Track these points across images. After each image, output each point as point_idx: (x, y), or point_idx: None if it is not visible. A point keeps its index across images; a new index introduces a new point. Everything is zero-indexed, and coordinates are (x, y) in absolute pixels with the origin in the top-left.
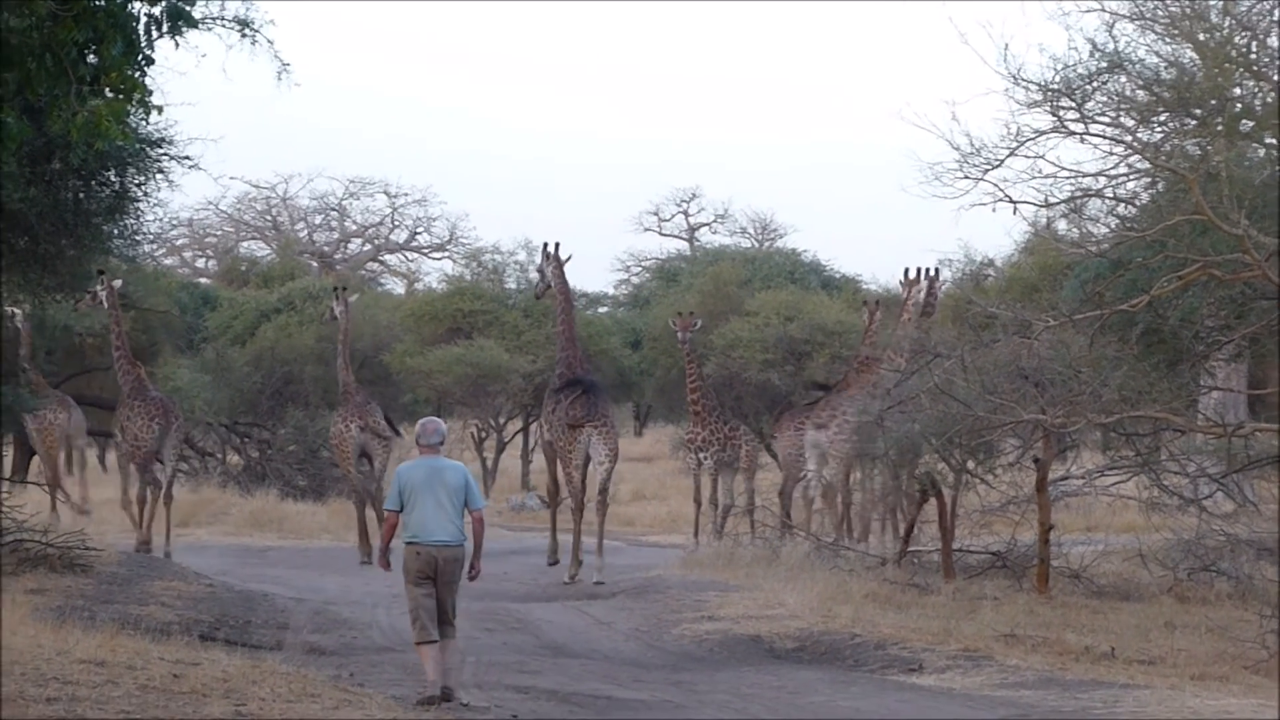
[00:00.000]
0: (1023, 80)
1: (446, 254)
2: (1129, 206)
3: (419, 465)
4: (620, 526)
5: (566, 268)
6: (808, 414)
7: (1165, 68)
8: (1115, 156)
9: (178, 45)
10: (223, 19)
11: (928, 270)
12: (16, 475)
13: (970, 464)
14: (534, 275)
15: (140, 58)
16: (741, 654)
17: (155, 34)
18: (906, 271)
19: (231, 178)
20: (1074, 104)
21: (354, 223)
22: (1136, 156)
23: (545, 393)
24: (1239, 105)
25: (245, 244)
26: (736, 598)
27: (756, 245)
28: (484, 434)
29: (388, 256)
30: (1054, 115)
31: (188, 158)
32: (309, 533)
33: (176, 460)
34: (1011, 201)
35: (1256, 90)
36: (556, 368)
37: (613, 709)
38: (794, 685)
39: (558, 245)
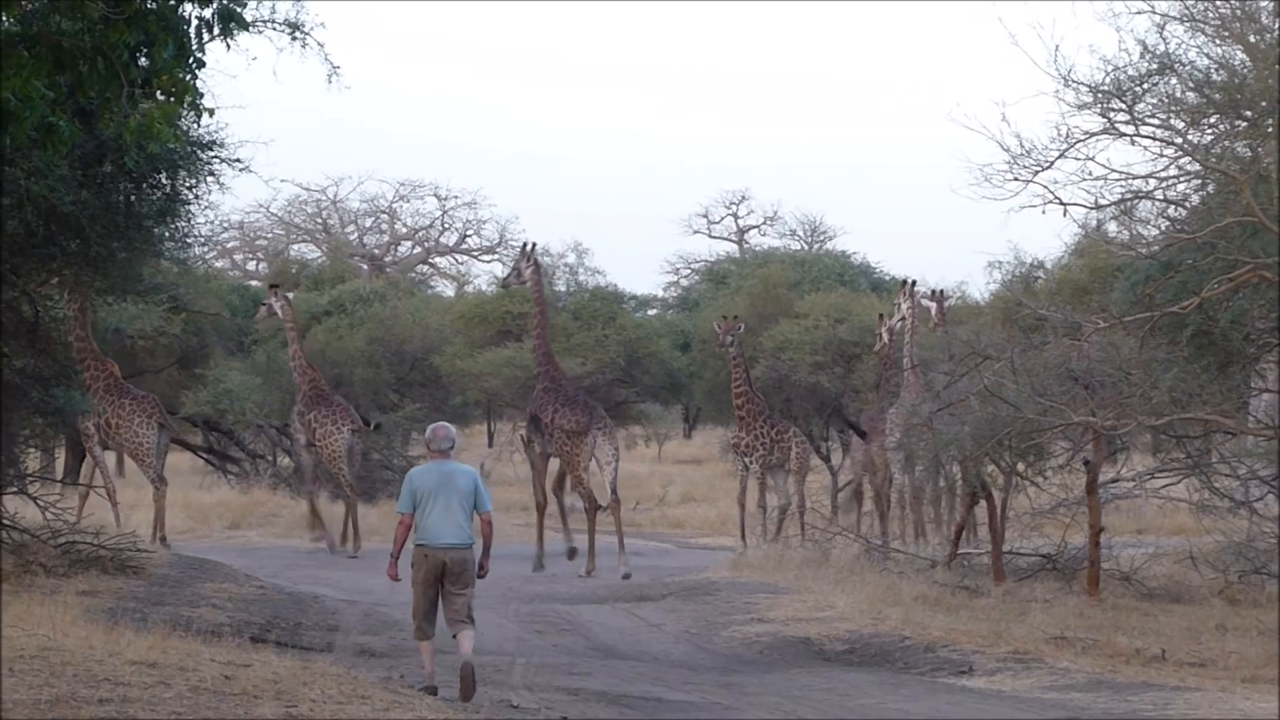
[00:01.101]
0: (1073, 82)
1: (496, 256)
2: (1179, 208)
3: (430, 470)
4: (669, 529)
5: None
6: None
7: (1216, 69)
8: (1166, 158)
9: (229, 48)
10: (273, 21)
11: (938, 291)
12: (69, 477)
13: (1020, 466)
14: (525, 272)
15: (191, 60)
16: (791, 656)
17: (206, 36)
18: (904, 282)
19: (282, 180)
20: (1124, 106)
21: (404, 225)
22: (1187, 158)
23: (539, 405)
24: None
25: (296, 247)
26: (786, 600)
27: (806, 247)
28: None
29: (438, 259)
30: (1104, 117)
31: (238, 160)
32: (360, 534)
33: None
34: (1061, 203)
35: None
36: (540, 381)
37: (662, 711)
38: (844, 687)
39: (534, 246)
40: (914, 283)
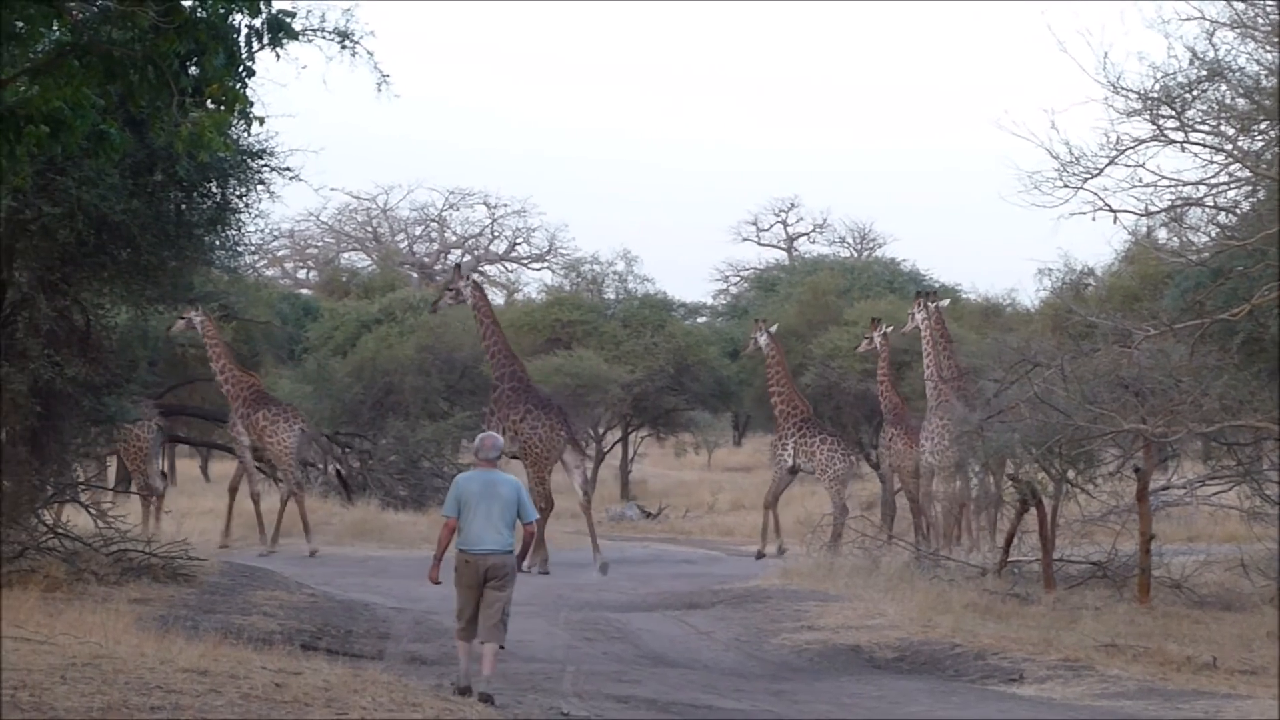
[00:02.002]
0: (1122, 88)
1: (545, 264)
2: (1229, 215)
3: (475, 477)
4: (719, 536)
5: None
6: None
7: (1266, 75)
8: (1216, 165)
9: (278, 57)
10: (323, 30)
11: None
12: (119, 485)
13: (1070, 473)
14: (465, 291)
15: (241, 69)
16: (841, 664)
17: (256, 45)
18: (918, 293)
19: (332, 189)
20: (1174, 112)
21: (454, 233)
22: (1237, 165)
23: (508, 403)
24: None
25: (346, 255)
26: (836, 608)
27: (855, 254)
28: (584, 444)
29: (487, 267)
30: (1153, 124)
31: (288, 169)
32: (410, 542)
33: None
34: (1111, 210)
35: None
36: (505, 381)
37: (713, 719)
38: (894, 695)
39: (461, 262)
40: (930, 293)
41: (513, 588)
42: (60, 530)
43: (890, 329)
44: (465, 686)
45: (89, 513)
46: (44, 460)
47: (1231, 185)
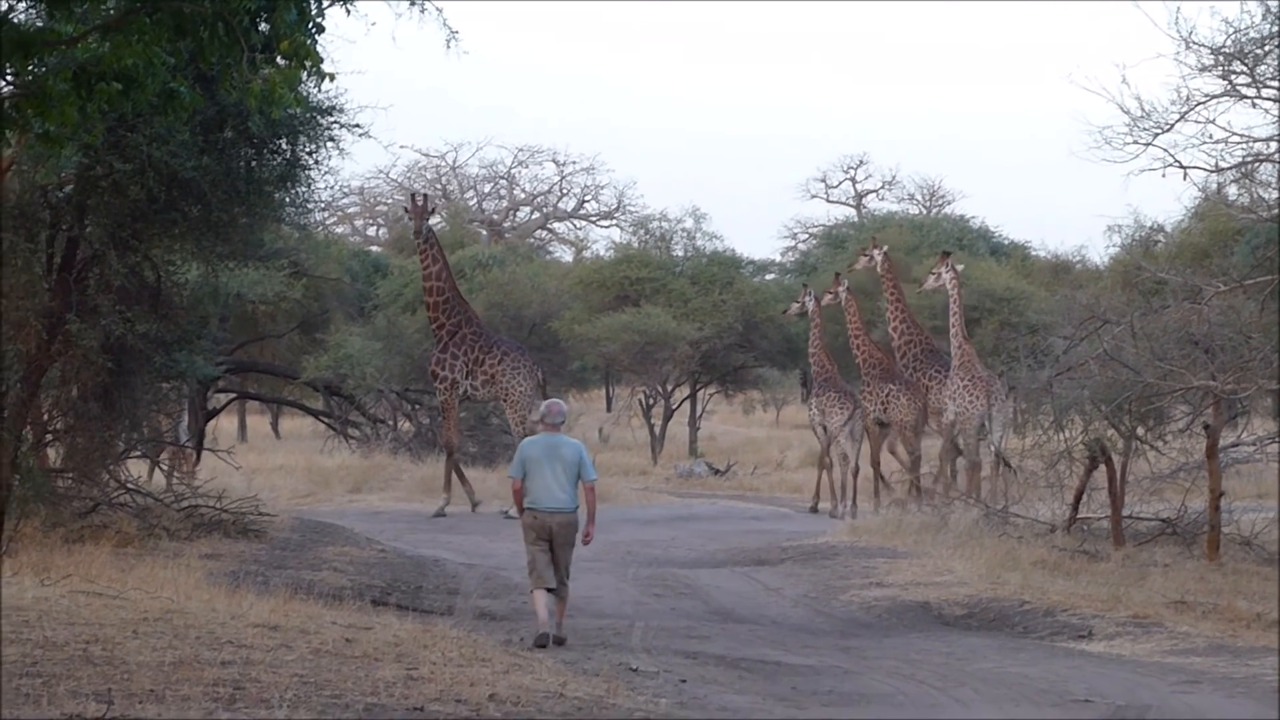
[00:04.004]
0: (1194, 44)
1: (614, 221)
2: None
3: (539, 441)
4: (788, 493)
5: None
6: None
7: None
8: None
9: (348, 13)
10: None
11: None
12: (191, 442)
13: (1140, 430)
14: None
15: (311, 25)
16: (910, 620)
17: (326, 1)
18: (945, 253)
19: (402, 146)
20: (1246, 68)
21: (523, 191)
22: None
23: (462, 344)
24: None
25: None
26: (904, 564)
27: (924, 212)
28: (652, 400)
29: (556, 224)
30: (1225, 79)
31: (358, 125)
32: (480, 498)
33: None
34: (1181, 166)
35: None
36: (464, 326)
37: (781, 674)
38: (962, 651)
39: (425, 197)
40: (950, 254)
41: (575, 547)
42: (132, 486)
43: (846, 285)
44: (544, 634)
45: (160, 469)
46: (115, 416)
47: None
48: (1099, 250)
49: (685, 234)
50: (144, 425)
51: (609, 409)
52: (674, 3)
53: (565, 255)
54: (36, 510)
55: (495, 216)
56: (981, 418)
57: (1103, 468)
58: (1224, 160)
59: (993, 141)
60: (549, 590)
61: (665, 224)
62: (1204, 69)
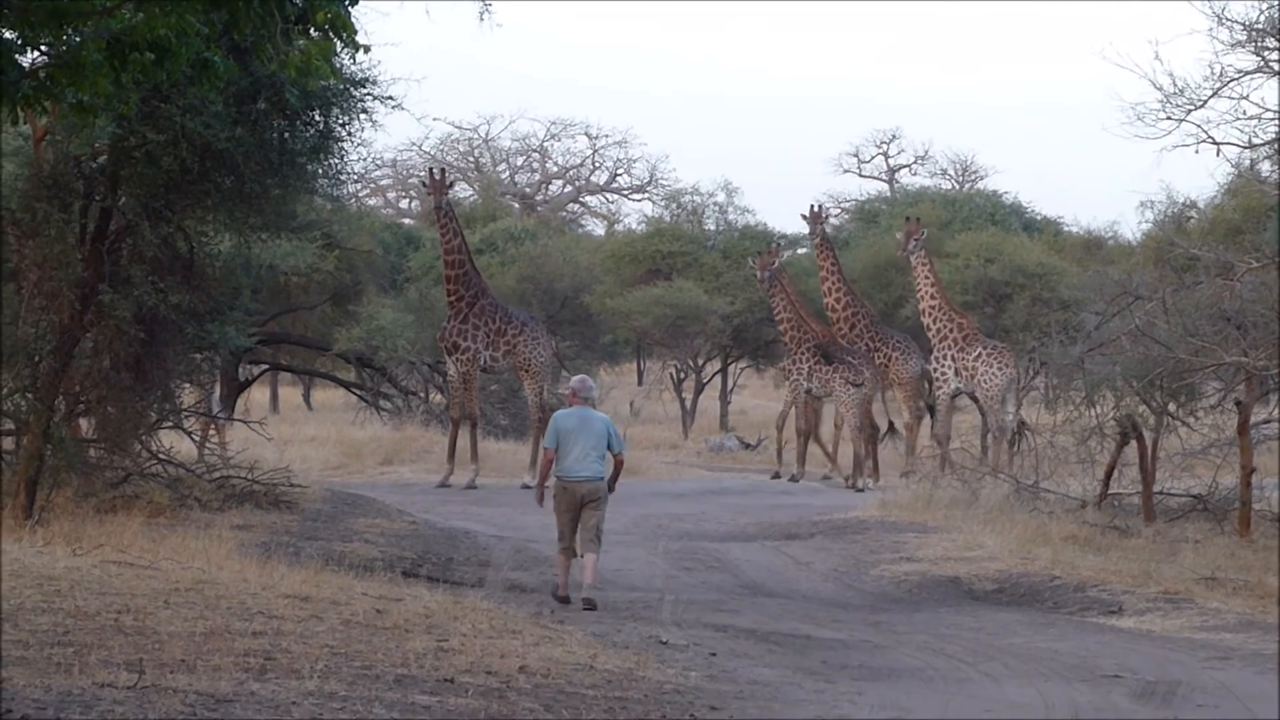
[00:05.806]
0: (1227, 20)
1: (646, 195)
2: None
3: (572, 414)
4: (818, 467)
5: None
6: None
7: None
8: None
9: None
10: None
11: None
12: (224, 412)
13: (1171, 406)
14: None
15: None
16: (940, 595)
17: None
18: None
19: (434, 119)
20: (1279, 44)
21: (555, 164)
22: None
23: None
24: None
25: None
26: (935, 539)
27: (957, 187)
28: (683, 375)
29: (588, 198)
30: (1258, 55)
31: (391, 98)
32: (510, 471)
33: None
34: (1214, 143)
35: None
36: (481, 298)
37: (811, 648)
38: (993, 627)
39: (443, 172)
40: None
41: (605, 508)
42: (163, 456)
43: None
44: (565, 596)
45: (191, 439)
46: (147, 386)
47: None
48: (1131, 226)
49: (717, 208)
50: (176, 396)
51: (640, 383)
52: None
53: (597, 229)
54: (68, 480)
55: (527, 190)
56: (1006, 388)
57: (1134, 444)
58: (1257, 136)
59: (1026, 117)
60: (576, 555)
61: (697, 198)
62: (1237, 45)
